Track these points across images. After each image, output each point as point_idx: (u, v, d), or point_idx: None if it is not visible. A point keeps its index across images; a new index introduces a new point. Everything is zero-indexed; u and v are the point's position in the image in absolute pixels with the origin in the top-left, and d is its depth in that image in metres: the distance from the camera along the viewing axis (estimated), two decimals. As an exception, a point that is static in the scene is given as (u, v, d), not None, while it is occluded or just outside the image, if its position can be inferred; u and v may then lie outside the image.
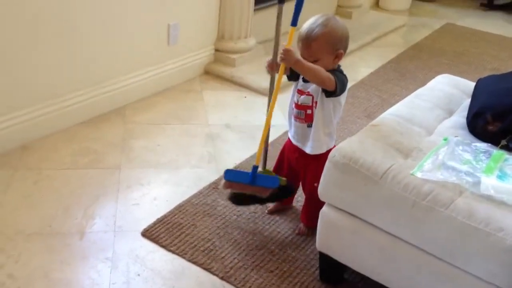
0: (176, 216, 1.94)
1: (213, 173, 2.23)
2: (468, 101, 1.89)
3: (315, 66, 1.66)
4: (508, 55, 3.96)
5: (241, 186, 1.75)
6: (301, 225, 1.94)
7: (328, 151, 1.62)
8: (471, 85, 2.01)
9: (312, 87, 1.74)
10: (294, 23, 1.63)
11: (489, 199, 1.39)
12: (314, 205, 1.76)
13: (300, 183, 1.97)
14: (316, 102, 1.73)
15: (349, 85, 3.20)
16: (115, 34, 2.56)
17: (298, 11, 1.63)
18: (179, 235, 1.85)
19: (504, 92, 1.71)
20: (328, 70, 1.68)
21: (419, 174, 1.46)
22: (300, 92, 1.77)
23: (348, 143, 1.59)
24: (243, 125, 2.65)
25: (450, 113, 1.88)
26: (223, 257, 1.78)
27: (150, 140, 2.44)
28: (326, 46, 1.67)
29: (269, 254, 1.82)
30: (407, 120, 1.75)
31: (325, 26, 1.66)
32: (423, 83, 2.17)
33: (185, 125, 2.61)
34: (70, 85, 2.43)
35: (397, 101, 1.98)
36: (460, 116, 1.83)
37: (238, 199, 1.85)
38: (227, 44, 3.19)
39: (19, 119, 2.25)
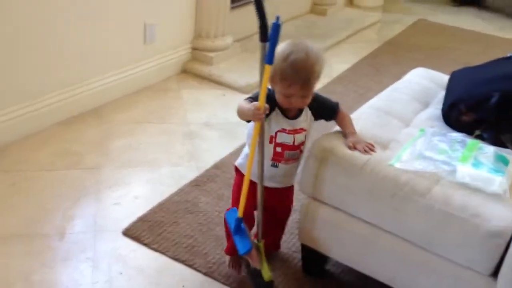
0: (157, 214, 1.93)
1: (193, 171, 2.23)
2: (442, 93, 1.93)
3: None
4: (479, 49, 4.05)
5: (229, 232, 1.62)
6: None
7: None
8: (446, 78, 2.05)
9: (305, 122, 1.55)
10: (270, 60, 1.37)
11: (465, 186, 1.43)
12: (284, 227, 1.80)
13: (265, 218, 1.63)
14: (307, 136, 1.58)
15: (326, 81, 3.30)
16: (91, 33, 2.53)
17: (273, 47, 1.37)
18: (161, 232, 1.85)
19: (477, 83, 1.75)
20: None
21: (397, 165, 1.49)
22: (293, 132, 1.53)
23: (328, 137, 1.61)
24: (222, 123, 2.65)
25: (426, 105, 1.92)
26: (205, 253, 1.78)
27: (129, 140, 2.42)
28: (318, 78, 1.49)
29: (252, 249, 1.83)
30: (385, 113, 1.78)
31: (319, 57, 1.47)
32: (398, 78, 2.20)
33: (164, 124, 2.60)
34: (45, 86, 2.39)
35: (373, 96, 2.01)
36: (436, 108, 1.87)
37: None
38: (204, 43, 3.18)
39: (-7, 121, 2.22)
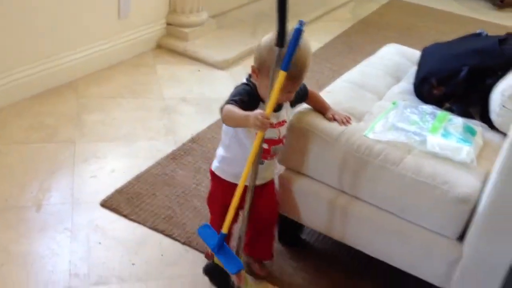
0: (135, 187, 1.95)
1: (171, 145, 2.24)
2: (414, 68, 1.98)
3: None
4: (450, 29, 4.13)
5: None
6: (259, 266, 1.66)
7: None
8: (417, 53, 2.10)
9: (286, 113, 1.51)
10: (286, 67, 1.27)
11: (435, 156, 1.49)
12: (273, 233, 1.66)
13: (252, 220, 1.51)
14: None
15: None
16: (64, 7, 2.48)
17: (292, 54, 1.27)
18: (139, 204, 1.87)
19: (447, 58, 1.81)
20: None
21: (371, 135, 1.54)
22: (278, 125, 1.48)
23: (305, 109, 1.65)
24: (199, 98, 2.66)
25: (398, 79, 1.97)
26: (184, 223, 1.81)
27: (105, 114, 2.41)
28: None
29: (229, 220, 1.86)
30: (359, 87, 1.82)
31: (309, 52, 1.39)
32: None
33: (140, 99, 2.59)
34: (18, 59, 2.35)
35: (347, 73, 2.05)
36: (408, 82, 1.92)
37: (214, 273, 1.54)
38: (179, 18, 3.16)
39: (-36, 94, 2.17)
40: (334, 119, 1.58)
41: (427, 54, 1.95)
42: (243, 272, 1.45)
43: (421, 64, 1.91)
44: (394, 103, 1.72)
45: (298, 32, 1.23)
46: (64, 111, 2.38)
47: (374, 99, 1.78)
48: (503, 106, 1.57)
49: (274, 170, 1.61)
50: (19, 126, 2.22)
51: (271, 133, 1.46)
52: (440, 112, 1.65)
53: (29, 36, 2.36)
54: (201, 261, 1.66)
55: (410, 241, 1.52)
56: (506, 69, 1.65)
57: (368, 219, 1.56)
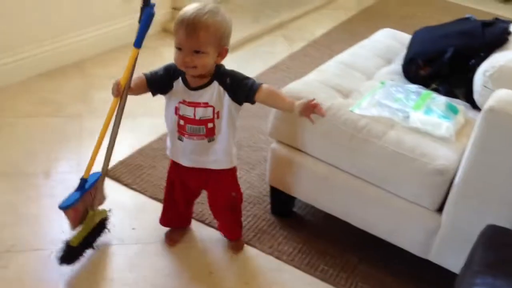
0: (137, 159, 2.06)
1: (172, 122, 2.35)
2: (405, 51, 2.07)
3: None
4: (449, 19, 4.19)
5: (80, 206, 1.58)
6: (231, 243, 1.76)
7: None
8: (409, 37, 2.19)
9: (211, 97, 1.45)
10: (138, 44, 1.41)
11: (416, 131, 1.59)
12: (235, 216, 1.71)
13: (208, 202, 1.72)
14: (218, 113, 1.46)
15: (302, 44, 3.42)
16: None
17: (144, 30, 1.38)
18: (140, 175, 1.98)
19: (434, 40, 1.90)
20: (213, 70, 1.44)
21: (357, 111, 1.64)
22: (194, 104, 1.46)
23: (295, 85, 1.75)
24: (201, 80, 2.75)
25: (389, 62, 2.06)
26: (181, 193, 1.92)
27: (110, 92, 2.50)
28: (215, 39, 1.38)
29: (225, 191, 1.97)
30: (349, 66, 1.92)
31: (216, 14, 1.38)
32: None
33: (144, 79, 2.69)
34: (26, 37, 2.45)
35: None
36: (397, 64, 2.01)
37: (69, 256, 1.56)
38: (184, 3, 3.24)
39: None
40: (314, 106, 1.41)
41: (417, 37, 2.03)
42: (70, 213, 1.54)
43: (410, 46, 2.00)
44: (382, 83, 1.81)
45: (148, 13, 1.36)
46: (71, 89, 2.49)
47: (363, 78, 1.87)
48: (484, 86, 1.65)
49: (219, 157, 1.53)
50: (27, 101, 2.33)
51: (185, 110, 1.47)
52: (424, 91, 1.74)
53: (37, 16, 2.46)
54: (196, 228, 1.78)
55: (390, 211, 1.61)
56: (488, 50, 1.72)
57: (350, 189, 1.65)
